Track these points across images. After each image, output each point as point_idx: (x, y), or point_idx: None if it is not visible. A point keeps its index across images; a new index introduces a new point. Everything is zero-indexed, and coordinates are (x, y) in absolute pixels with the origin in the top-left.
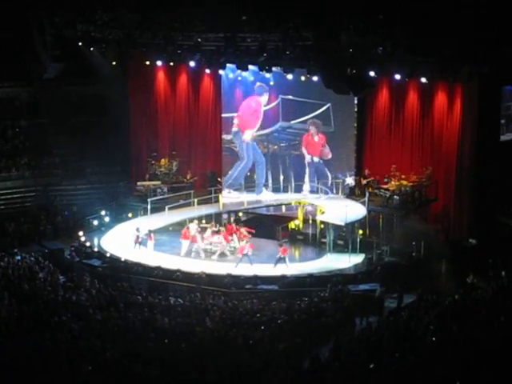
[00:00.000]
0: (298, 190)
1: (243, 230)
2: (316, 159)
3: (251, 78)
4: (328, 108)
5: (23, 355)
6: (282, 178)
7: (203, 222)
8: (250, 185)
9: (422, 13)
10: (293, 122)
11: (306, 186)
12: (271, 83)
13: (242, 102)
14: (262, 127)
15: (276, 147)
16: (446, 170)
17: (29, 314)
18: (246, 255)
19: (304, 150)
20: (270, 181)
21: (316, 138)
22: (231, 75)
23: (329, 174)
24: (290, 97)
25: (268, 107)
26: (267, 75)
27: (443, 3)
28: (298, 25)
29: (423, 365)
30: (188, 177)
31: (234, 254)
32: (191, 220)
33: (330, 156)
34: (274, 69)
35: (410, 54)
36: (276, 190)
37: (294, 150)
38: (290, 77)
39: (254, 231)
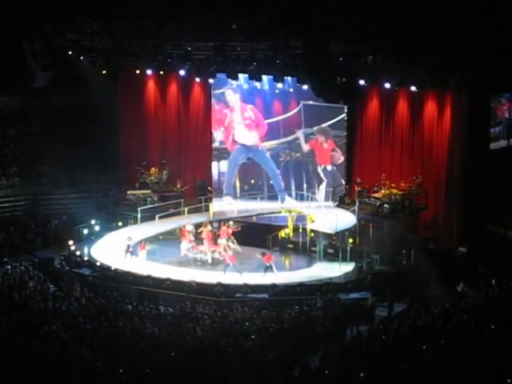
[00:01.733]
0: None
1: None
2: (329, 167)
3: (266, 87)
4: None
5: (13, 364)
6: (305, 185)
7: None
8: (252, 192)
9: (412, 22)
10: (315, 128)
11: (321, 196)
12: (291, 90)
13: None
14: (285, 135)
15: (298, 155)
16: (435, 178)
17: (19, 324)
18: (228, 265)
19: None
20: (293, 188)
21: (325, 146)
22: (246, 86)
23: (343, 181)
24: (311, 102)
25: (289, 114)
26: (279, 85)
27: (433, 12)
28: (288, 33)
29: (414, 373)
30: (178, 186)
31: (215, 264)
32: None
33: (342, 159)
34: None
35: (399, 62)
36: (301, 197)
37: (316, 158)
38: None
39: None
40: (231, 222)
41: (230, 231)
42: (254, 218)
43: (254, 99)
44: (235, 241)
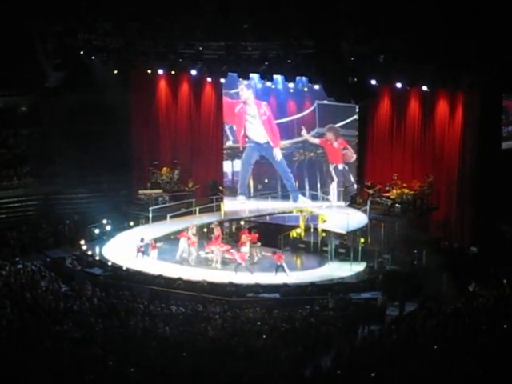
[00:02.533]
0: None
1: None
2: (340, 166)
3: (280, 86)
4: None
5: (24, 364)
6: (319, 185)
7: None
8: (265, 192)
9: (423, 21)
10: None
11: (333, 196)
12: (305, 89)
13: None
14: (299, 134)
15: (313, 154)
16: (447, 178)
17: (30, 323)
18: (241, 264)
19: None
20: (307, 188)
21: (335, 144)
22: (260, 85)
23: (353, 180)
24: (326, 102)
25: (304, 113)
26: (290, 85)
27: (444, 12)
28: (300, 33)
29: (425, 373)
30: (190, 185)
31: (226, 263)
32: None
33: (354, 158)
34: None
35: (411, 62)
36: (314, 197)
37: None
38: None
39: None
40: (242, 222)
41: (249, 237)
42: (266, 218)
43: (268, 98)
44: (258, 249)
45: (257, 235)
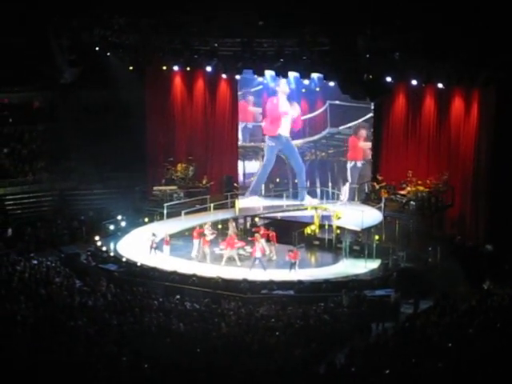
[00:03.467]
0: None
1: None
2: (359, 163)
3: (293, 86)
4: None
5: (39, 359)
6: (330, 184)
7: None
8: (277, 189)
9: (439, 18)
10: (341, 127)
11: (345, 195)
12: (317, 89)
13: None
14: (310, 134)
15: (324, 154)
16: (462, 175)
17: (45, 319)
18: (257, 259)
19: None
20: (318, 186)
21: (362, 143)
22: (272, 84)
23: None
24: (337, 102)
25: (316, 113)
26: (306, 82)
27: (460, 8)
28: (315, 30)
29: (439, 371)
30: (204, 182)
31: (242, 260)
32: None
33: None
34: (316, 75)
35: (426, 59)
36: (326, 196)
37: (341, 157)
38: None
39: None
40: (257, 219)
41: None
42: (280, 215)
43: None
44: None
45: (274, 233)
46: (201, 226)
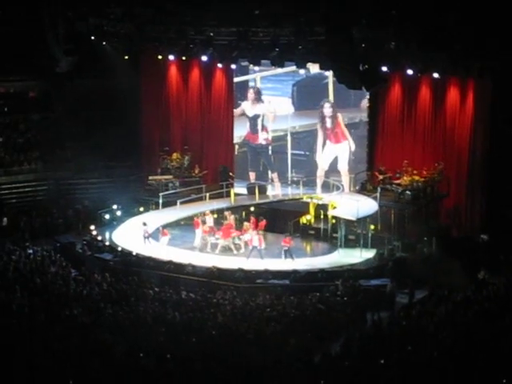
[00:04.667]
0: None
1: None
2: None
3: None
4: None
5: (34, 348)
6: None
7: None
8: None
9: (435, 8)
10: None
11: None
12: None
13: None
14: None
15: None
16: (457, 165)
17: (40, 308)
18: (255, 248)
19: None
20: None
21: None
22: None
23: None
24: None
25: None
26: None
27: None
28: (311, 19)
29: (434, 360)
30: (196, 171)
31: (238, 249)
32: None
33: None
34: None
35: (422, 49)
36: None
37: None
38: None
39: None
40: (252, 209)
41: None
42: (276, 204)
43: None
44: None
45: (264, 222)
46: (201, 215)
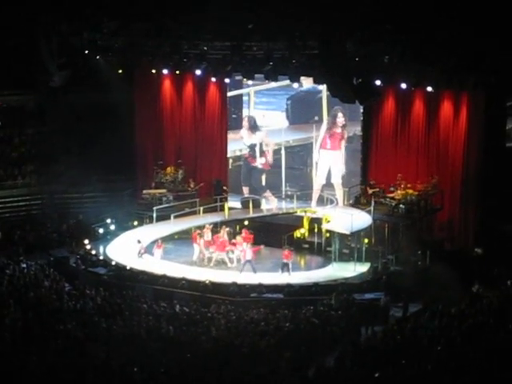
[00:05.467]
0: None
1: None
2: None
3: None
4: None
5: (28, 363)
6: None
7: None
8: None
9: (428, 22)
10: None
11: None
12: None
13: None
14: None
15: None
16: (451, 179)
17: (34, 322)
18: (249, 262)
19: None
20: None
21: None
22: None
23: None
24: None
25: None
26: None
27: (449, 12)
28: (304, 34)
29: (428, 374)
30: (192, 185)
31: (232, 262)
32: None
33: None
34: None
35: (415, 63)
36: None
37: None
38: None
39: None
40: (246, 222)
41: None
42: (270, 218)
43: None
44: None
45: (252, 235)
46: (199, 229)
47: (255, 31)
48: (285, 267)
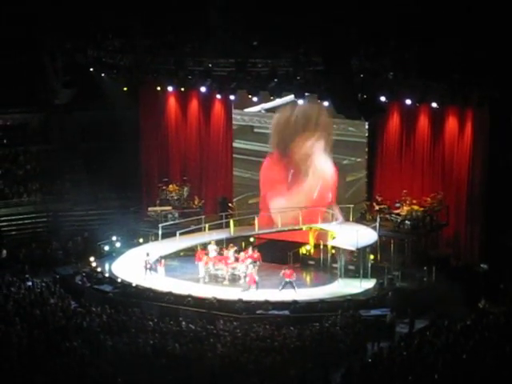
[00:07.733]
0: None
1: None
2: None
3: None
4: None
5: (34, 381)
6: None
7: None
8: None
9: (433, 38)
10: None
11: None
12: None
13: None
14: None
15: None
16: (457, 194)
17: (40, 340)
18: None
19: None
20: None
21: None
22: None
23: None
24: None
25: None
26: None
27: (453, 28)
28: (309, 50)
29: None
30: (196, 202)
31: (235, 280)
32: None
33: None
34: None
35: (420, 79)
36: None
37: None
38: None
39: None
40: (252, 239)
41: (256, 255)
42: (275, 235)
43: None
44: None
45: (259, 254)
46: (203, 247)
47: (260, 48)
48: (288, 285)
